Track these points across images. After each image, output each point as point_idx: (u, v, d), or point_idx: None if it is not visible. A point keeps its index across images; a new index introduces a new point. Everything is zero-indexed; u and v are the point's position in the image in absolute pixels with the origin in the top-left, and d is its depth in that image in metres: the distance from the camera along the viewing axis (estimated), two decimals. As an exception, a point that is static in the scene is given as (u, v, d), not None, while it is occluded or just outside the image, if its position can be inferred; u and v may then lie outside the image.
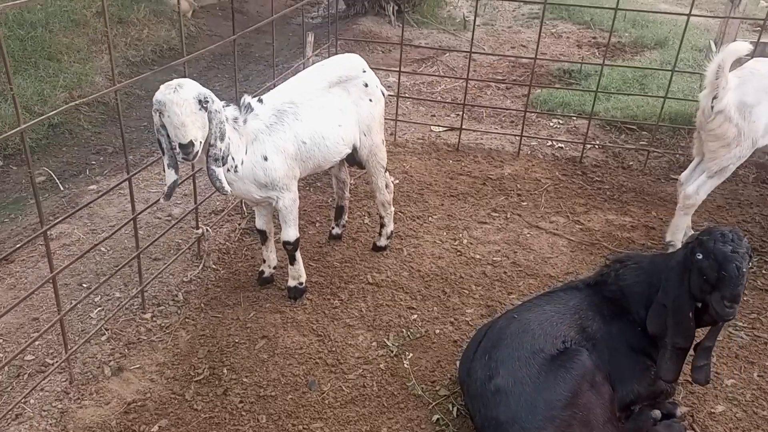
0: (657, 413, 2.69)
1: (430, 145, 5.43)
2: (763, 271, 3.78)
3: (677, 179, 4.02)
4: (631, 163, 5.20)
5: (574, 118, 5.93)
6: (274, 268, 3.59)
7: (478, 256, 3.91)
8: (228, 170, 2.96)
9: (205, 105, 2.73)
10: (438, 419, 2.73)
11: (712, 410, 2.80)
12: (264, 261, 3.56)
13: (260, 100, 3.19)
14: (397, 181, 4.79)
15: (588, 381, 2.47)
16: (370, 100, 3.52)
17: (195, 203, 3.68)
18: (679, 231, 3.86)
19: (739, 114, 3.52)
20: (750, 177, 4.96)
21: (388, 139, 5.54)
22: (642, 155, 5.22)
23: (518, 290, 3.60)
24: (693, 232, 4.02)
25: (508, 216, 4.37)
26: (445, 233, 4.16)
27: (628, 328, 2.77)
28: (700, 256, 2.48)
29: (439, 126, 5.85)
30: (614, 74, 6.71)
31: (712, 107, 3.54)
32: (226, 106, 2.97)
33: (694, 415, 2.77)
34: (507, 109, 6.16)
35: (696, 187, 3.74)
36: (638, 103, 5.96)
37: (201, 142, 2.73)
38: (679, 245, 3.82)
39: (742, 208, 4.52)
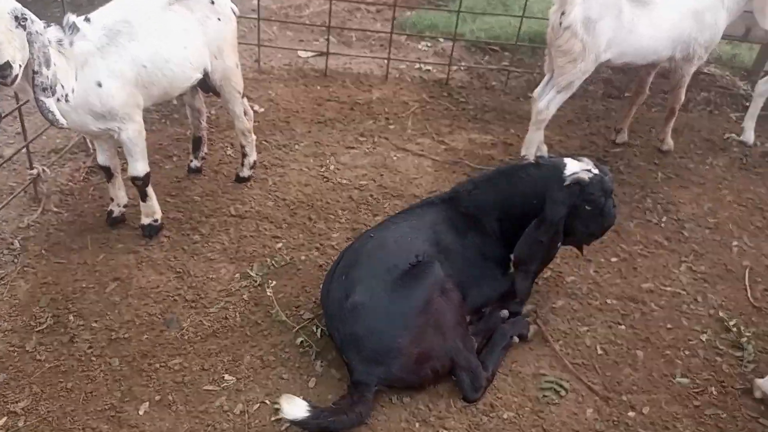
0: (505, 313, 2.90)
1: (297, 71, 5.23)
2: (605, 179, 4.11)
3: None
4: (494, 83, 5.35)
5: (442, 40, 5.95)
6: (125, 206, 3.35)
7: (345, 181, 3.90)
8: (58, 100, 2.65)
9: (22, 23, 2.41)
10: (302, 341, 2.76)
11: (554, 305, 3.07)
12: (112, 200, 3.31)
13: (87, 19, 2.85)
14: (263, 110, 4.59)
15: (439, 289, 2.59)
16: (219, 19, 3.27)
17: (25, 140, 3.30)
18: (533, 145, 4.07)
19: (584, 29, 3.67)
20: (599, 92, 5.30)
21: (251, 66, 5.27)
22: (504, 75, 5.38)
23: (383, 212, 3.65)
24: (545, 147, 4.27)
25: (376, 140, 4.37)
26: (312, 160, 4.08)
27: (481, 239, 2.92)
28: (589, 208, 2.78)
29: (306, 51, 5.63)
30: (479, -5, 6.76)
31: (561, 23, 3.67)
32: (48, 26, 2.62)
33: (538, 311, 3.02)
34: (375, 32, 6.04)
35: (547, 101, 3.92)
36: (501, 24, 6.08)
37: (21, 66, 2.43)
38: (532, 158, 4.03)
39: (590, 122, 4.84)
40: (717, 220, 3.79)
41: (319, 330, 2.81)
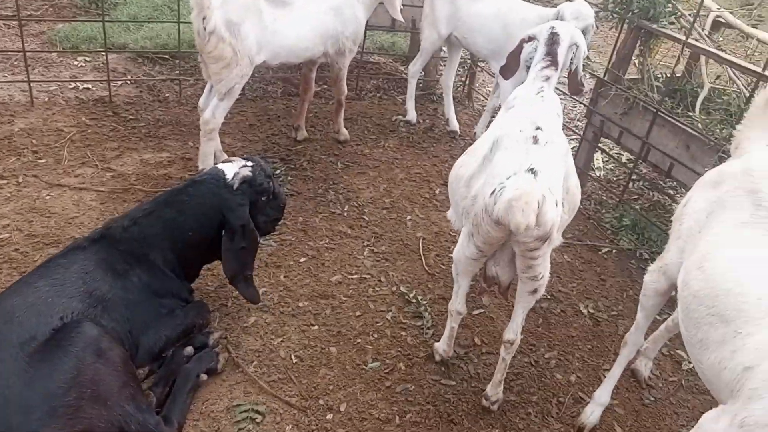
0: (189, 350, 2.63)
1: None
2: (289, 178, 4.12)
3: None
4: (167, 95, 4.96)
5: (103, 53, 5.30)
6: None
7: (-24, 240, 3.15)
8: None
9: None
10: None
11: (245, 324, 2.91)
12: None
13: None
14: None
15: (93, 351, 2.18)
16: None
17: None
18: (208, 157, 3.83)
19: (229, 33, 3.53)
20: (278, 92, 5.33)
21: None
22: (176, 85, 5.03)
23: (35, 266, 3.03)
24: (226, 155, 4.08)
25: (21, 180, 3.64)
26: (-74, 222, 3.21)
27: (149, 276, 2.60)
28: (264, 198, 2.80)
29: None
30: (143, 1, 6.24)
31: (205, 28, 3.47)
32: None
33: (228, 336, 2.83)
34: (7, 51, 5.09)
35: (211, 111, 3.71)
36: (168, 31, 5.68)
37: None
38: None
39: (272, 122, 4.82)
40: (392, 198, 4.08)
41: (-59, 446, 2.16)
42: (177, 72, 5.22)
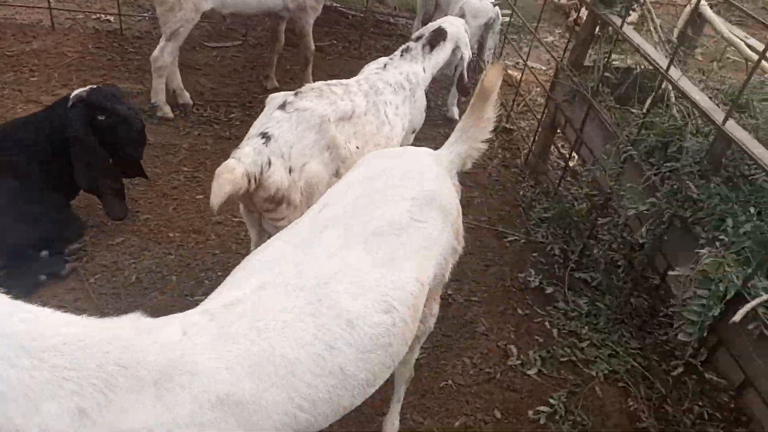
0: (44, 253, 3.01)
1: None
2: (237, 123, 4.35)
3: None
4: (173, 33, 5.37)
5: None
6: None
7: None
8: None
9: None
10: None
11: (111, 242, 3.23)
12: None
13: None
14: None
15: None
16: None
17: None
18: (160, 93, 4.19)
19: (171, -22, 3.79)
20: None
21: None
22: (184, 26, 5.42)
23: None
24: (187, 93, 4.42)
25: (6, 93, 4.25)
26: None
27: (20, 183, 3.00)
28: (102, 117, 2.98)
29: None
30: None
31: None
32: None
33: (89, 249, 3.17)
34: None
35: (159, 50, 4.04)
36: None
37: None
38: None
39: (255, 70, 5.04)
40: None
41: None
42: (191, 13, 5.60)
